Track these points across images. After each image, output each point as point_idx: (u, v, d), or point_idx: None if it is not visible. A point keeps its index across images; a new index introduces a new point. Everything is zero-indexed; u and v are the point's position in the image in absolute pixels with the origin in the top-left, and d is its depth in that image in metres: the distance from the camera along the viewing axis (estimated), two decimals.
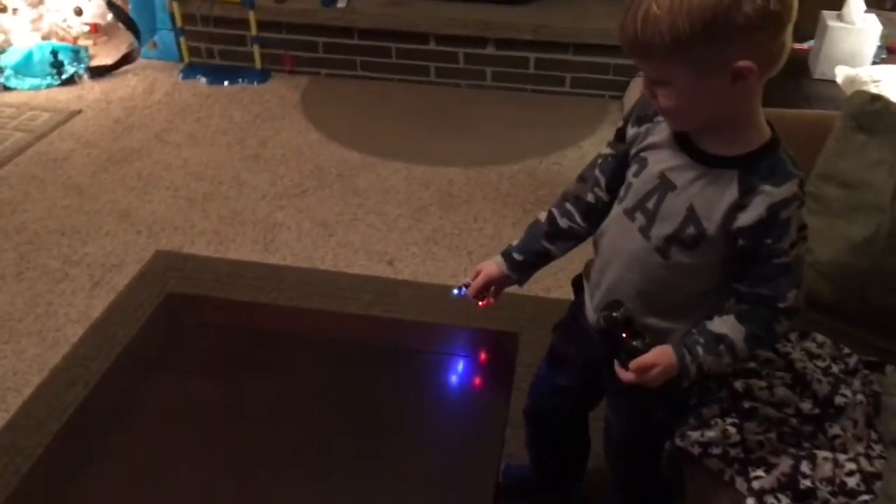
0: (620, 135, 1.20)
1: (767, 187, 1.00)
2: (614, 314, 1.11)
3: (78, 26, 3.41)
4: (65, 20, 3.33)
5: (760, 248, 1.02)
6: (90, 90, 3.36)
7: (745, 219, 1.01)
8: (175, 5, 3.44)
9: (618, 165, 1.19)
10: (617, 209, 1.15)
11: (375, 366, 1.36)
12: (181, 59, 3.60)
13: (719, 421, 1.21)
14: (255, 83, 3.46)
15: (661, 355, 1.09)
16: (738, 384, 1.25)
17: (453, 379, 1.37)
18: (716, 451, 1.18)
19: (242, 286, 2.22)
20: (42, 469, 1.25)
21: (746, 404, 1.22)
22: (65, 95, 3.31)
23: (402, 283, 2.25)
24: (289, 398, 1.29)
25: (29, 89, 3.33)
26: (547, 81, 3.36)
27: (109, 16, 3.42)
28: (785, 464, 1.14)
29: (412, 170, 2.81)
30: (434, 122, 3.17)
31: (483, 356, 1.43)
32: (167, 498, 1.12)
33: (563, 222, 1.26)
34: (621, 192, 1.15)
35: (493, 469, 1.18)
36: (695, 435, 1.20)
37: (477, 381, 1.37)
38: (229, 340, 1.39)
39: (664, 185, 1.09)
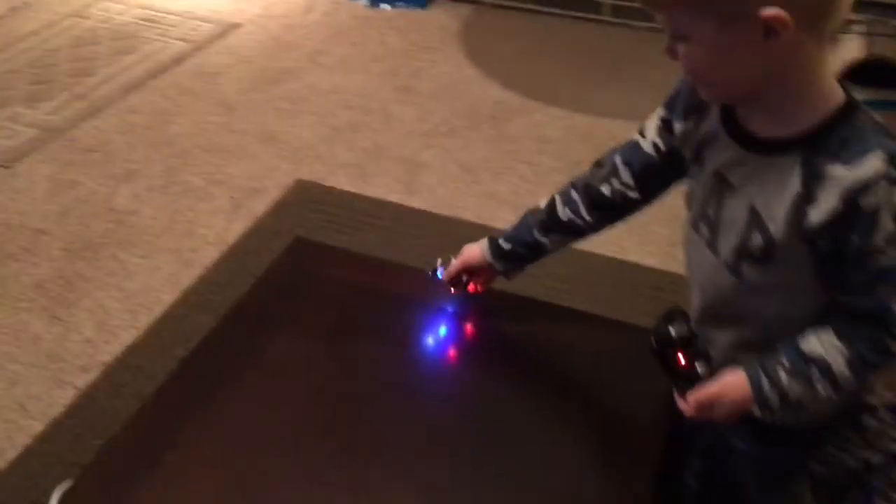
0: (667, 125, 0.98)
1: (837, 169, 0.78)
2: (670, 329, 0.90)
3: None
4: None
5: (847, 250, 0.80)
6: (251, 3, 3.31)
7: (817, 214, 0.80)
8: None
9: (661, 161, 1.00)
10: (686, 222, 0.97)
11: (510, 351, 1.19)
12: None
13: None
14: (416, 7, 3.28)
15: (729, 385, 0.87)
16: None
17: (597, 382, 1.17)
18: None
19: (379, 227, 2.10)
20: (153, 409, 1.19)
21: None
22: (227, 7, 3.27)
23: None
24: (413, 377, 1.14)
25: None
26: None
27: None
28: None
29: (573, 119, 2.56)
30: (604, 66, 2.88)
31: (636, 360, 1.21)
32: (266, 470, 1.01)
33: (563, 213, 1.08)
34: (687, 199, 0.97)
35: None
36: None
37: (626, 389, 1.16)
38: (356, 300, 1.25)
39: (721, 185, 0.88)
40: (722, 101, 0.88)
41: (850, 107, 0.82)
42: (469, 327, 1.24)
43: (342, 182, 2.29)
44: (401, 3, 3.30)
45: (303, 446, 1.02)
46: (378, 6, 3.30)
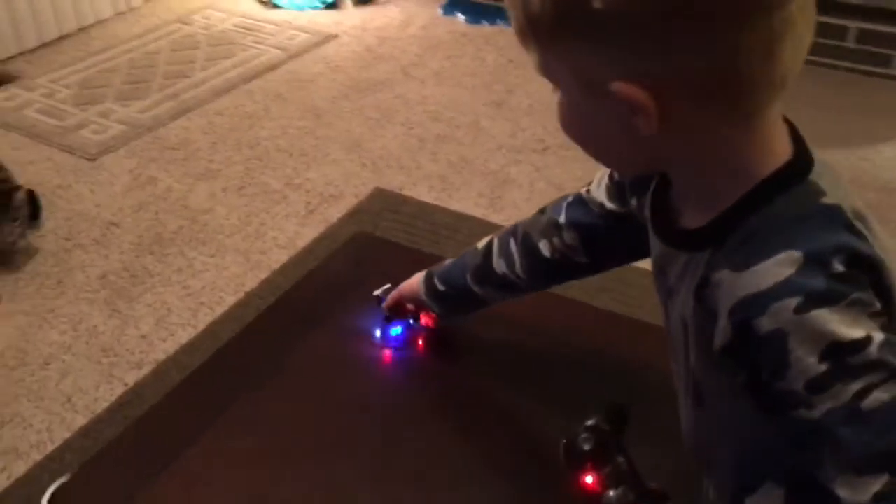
0: (619, 188, 0.78)
1: (725, 274, 0.56)
2: (580, 439, 0.71)
3: None
4: None
5: (766, 392, 0.56)
6: (350, 16, 3.27)
7: (718, 337, 0.57)
8: None
9: (613, 226, 0.80)
10: None
11: (564, 365, 1.02)
12: None
13: None
14: None
15: None
16: None
17: None
18: None
19: (457, 241, 1.94)
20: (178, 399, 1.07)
21: None
22: (325, 19, 3.24)
23: (638, 270, 1.84)
24: (464, 384, 0.98)
25: (294, 9, 3.31)
26: (868, 59, 2.71)
27: None
28: None
29: None
30: None
31: None
32: (277, 476, 0.87)
33: (498, 264, 0.90)
34: None
35: None
36: None
37: None
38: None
39: (663, 284, 0.67)
40: (618, 173, 0.71)
41: (778, 183, 0.57)
42: (522, 338, 1.07)
43: (424, 193, 2.17)
44: (501, 21, 3.19)
45: (318, 453, 0.88)
46: (478, 23, 3.20)
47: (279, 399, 0.97)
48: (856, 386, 0.52)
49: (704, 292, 0.58)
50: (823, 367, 0.52)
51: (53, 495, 0.82)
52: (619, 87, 0.55)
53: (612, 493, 0.70)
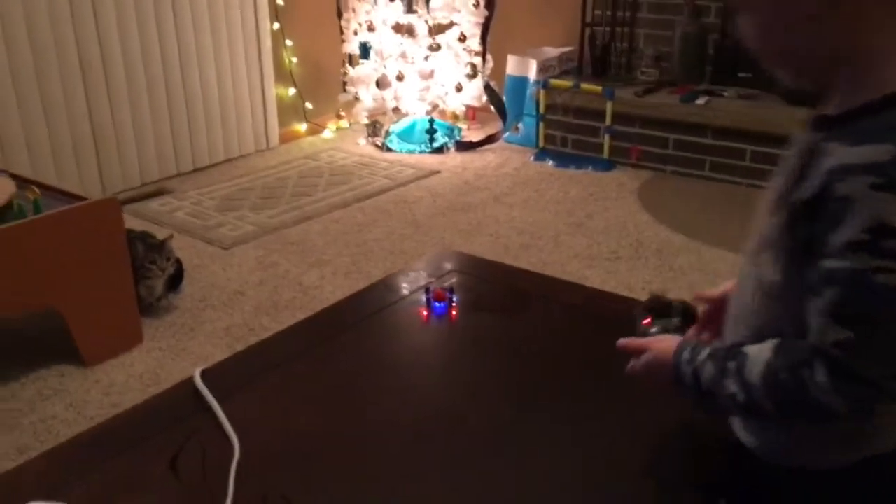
0: None
1: (835, 147, 0.67)
2: (647, 301, 1.01)
3: (457, 104, 3.85)
4: (446, 93, 3.78)
5: (814, 241, 0.68)
6: (452, 158, 3.74)
7: (801, 190, 0.69)
8: (542, 93, 3.72)
9: None
10: None
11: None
12: (538, 145, 3.84)
13: None
14: (599, 171, 3.53)
15: (658, 346, 0.84)
16: None
17: None
18: None
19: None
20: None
21: None
22: (430, 159, 3.72)
23: None
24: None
25: (404, 152, 3.82)
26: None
27: (484, 98, 3.81)
28: None
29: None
30: None
31: None
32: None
33: None
34: None
35: None
36: None
37: None
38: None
39: (781, 160, 0.81)
40: (798, 84, 0.78)
41: None
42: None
43: None
44: (586, 166, 3.57)
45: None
46: (565, 167, 3.59)
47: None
48: (876, 262, 0.64)
49: (810, 157, 0.69)
50: (864, 237, 0.64)
51: (203, 372, 1.06)
52: None
53: (654, 328, 0.94)
